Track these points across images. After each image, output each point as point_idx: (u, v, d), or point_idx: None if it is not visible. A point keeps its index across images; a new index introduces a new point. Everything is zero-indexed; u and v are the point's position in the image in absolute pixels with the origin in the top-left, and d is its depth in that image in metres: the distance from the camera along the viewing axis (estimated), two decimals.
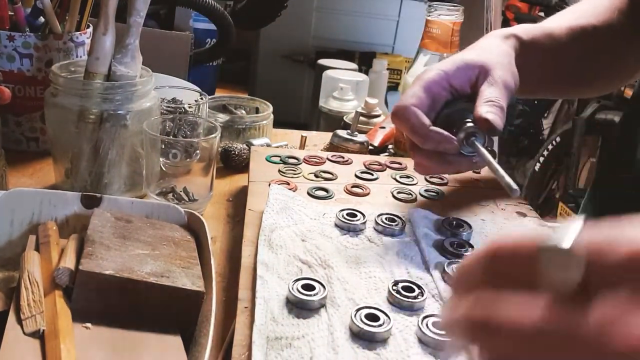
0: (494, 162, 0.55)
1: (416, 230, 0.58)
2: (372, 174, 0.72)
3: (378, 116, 0.99)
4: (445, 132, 0.57)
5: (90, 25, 0.79)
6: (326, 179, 0.70)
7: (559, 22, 0.68)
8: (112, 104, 0.65)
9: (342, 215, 0.58)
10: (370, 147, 0.87)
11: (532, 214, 0.65)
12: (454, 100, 0.60)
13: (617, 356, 0.22)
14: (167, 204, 0.57)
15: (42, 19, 0.80)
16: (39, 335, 0.40)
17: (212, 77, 1.35)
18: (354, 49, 1.66)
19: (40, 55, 0.76)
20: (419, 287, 0.48)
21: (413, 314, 0.46)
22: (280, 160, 0.74)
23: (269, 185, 0.63)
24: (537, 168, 2.68)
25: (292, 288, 0.46)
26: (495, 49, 0.62)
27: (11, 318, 0.41)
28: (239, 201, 0.73)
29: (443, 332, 0.43)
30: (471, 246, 0.56)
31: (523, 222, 0.63)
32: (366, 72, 1.33)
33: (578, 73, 0.70)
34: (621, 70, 0.72)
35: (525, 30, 0.66)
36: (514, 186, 0.52)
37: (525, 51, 0.64)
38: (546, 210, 2.68)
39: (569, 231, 0.23)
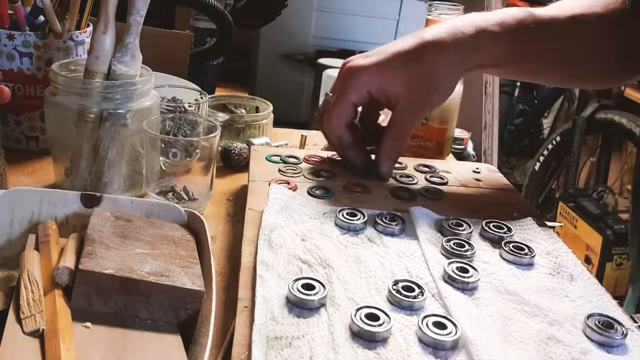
0: None
1: (416, 230, 0.58)
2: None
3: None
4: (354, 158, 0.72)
5: (90, 24, 0.79)
6: (326, 178, 0.70)
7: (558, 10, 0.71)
8: (112, 103, 0.65)
9: (342, 215, 0.58)
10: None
11: (532, 212, 0.65)
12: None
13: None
14: (167, 203, 0.57)
15: (42, 18, 0.80)
16: (38, 334, 0.40)
17: (212, 76, 1.34)
18: (354, 48, 1.66)
19: (40, 54, 0.76)
20: (419, 286, 0.48)
21: (413, 314, 0.46)
22: (280, 159, 0.74)
23: (269, 184, 0.63)
24: (537, 167, 2.68)
25: (292, 287, 0.46)
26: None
27: (11, 317, 0.41)
28: (238, 200, 0.72)
29: (443, 332, 0.43)
30: (471, 246, 0.56)
31: (523, 221, 0.62)
32: None
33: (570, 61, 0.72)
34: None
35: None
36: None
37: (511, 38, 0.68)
38: (546, 209, 2.68)
39: None
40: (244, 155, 0.80)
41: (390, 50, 0.68)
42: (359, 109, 0.72)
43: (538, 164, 2.67)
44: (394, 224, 0.58)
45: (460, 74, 0.69)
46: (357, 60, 0.69)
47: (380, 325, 0.43)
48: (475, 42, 0.67)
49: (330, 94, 0.71)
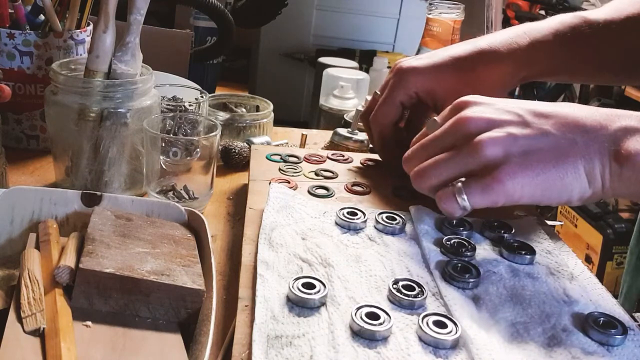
0: None
1: (417, 229, 0.58)
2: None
3: None
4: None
5: (91, 23, 0.79)
6: (327, 178, 0.70)
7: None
8: (113, 102, 0.65)
9: (343, 214, 0.58)
10: (370, 146, 0.87)
11: (532, 212, 0.65)
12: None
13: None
14: (167, 202, 0.57)
15: (42, 17, 0.80)
16: (39, 333, 0.40)
17: (213, 75, 1.34)
18: (354, 47, 1.66)
19: (41, 53, 0.76)
20: (420, 285, 0.48)
21: (413, 313, 0.46)
22: (281, 158, 0.74)
23: (270, 183, 0.63)
24: None
25: (293, 286, 0.46)
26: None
27: (11, 316, 0.41)
28: (239, 199, 0.73)
29: (443, 331, 0.43)
30: (471, 245, 0.56)
31: (524, 220, 0.62)
32: (367, 71, 1.32)
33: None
34: None
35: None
36: None
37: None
38: (546, 208, 2.68)
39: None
40: (245, 154, 0.80)
41: (443, 54, 0.68)
42: (406, 112, 0.71)
43: None
44: (394, 222, 0.58)
45: (513, 84, 0.69)
46: (408, 61, 0.69)
47: (380, 324, 0.43)
48: (530, 54, 0.67)
49: (379, 93, 0.71)
